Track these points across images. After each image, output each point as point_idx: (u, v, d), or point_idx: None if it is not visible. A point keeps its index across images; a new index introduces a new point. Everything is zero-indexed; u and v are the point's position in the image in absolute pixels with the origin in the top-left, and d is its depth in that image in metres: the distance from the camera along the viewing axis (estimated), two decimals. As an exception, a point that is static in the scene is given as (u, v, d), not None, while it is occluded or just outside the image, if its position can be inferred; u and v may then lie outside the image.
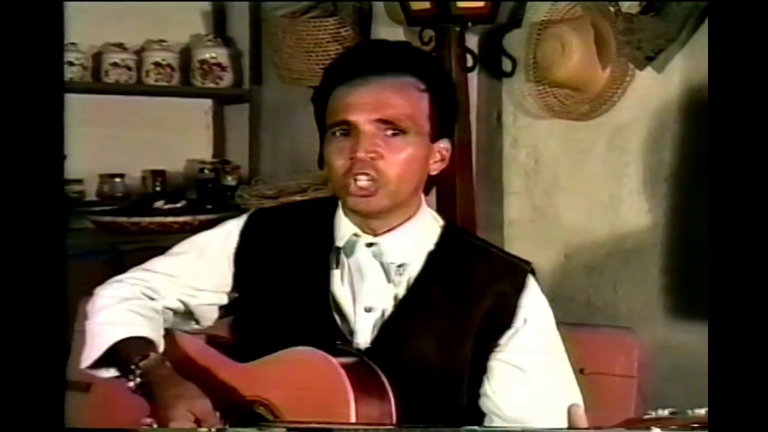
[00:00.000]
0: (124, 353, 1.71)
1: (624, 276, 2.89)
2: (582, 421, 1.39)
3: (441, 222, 1.82)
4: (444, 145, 1.75)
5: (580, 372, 1.77)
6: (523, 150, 3.14)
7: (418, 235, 1.77)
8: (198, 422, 1.56)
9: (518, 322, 1.72)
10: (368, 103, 1.65)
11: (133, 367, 1.67)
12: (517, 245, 3.00)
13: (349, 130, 1.66)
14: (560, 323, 1.79)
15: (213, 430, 1.57)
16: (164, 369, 1.67)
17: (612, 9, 2.79)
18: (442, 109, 1.73)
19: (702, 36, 2.65)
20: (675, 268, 2.79)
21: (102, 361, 1.74)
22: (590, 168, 2.97)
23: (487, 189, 3.13)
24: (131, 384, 1.67)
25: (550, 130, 3.05)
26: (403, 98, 1.67)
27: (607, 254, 2.93)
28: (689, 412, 1.31)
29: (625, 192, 2.90)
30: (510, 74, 3.10)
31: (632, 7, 2.76)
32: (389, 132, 1.66)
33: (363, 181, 1.66)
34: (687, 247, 2.77)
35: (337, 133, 1.68)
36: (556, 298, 1.85)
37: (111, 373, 1.75)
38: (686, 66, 2.73)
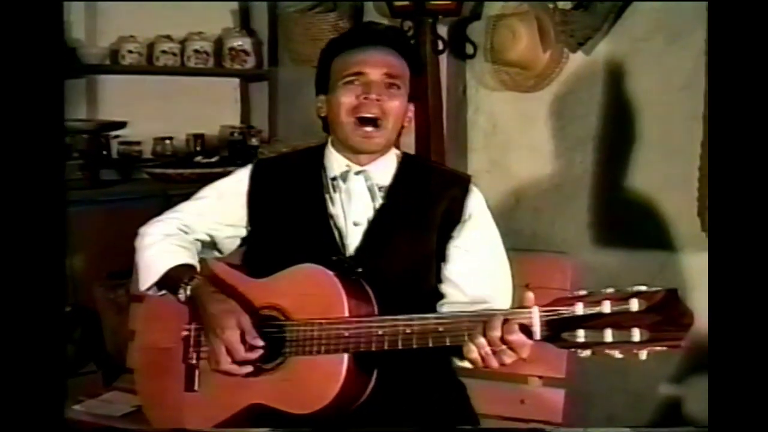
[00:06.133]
0: (174, 277, 1.72)
1: (560, 214, 2.91)
2: (531, 301, 1.43)
3: (398, 152, 1.85)
4: (411, 107, 1.81)
5: (525, 286, 1.77)
6: (483, 116, 3.13)
7: (390, 162, 1.81)
8: (242, 333, 1.58)
9: (465, 216, 1.77)
10: (378, 61, 1.73)
11: (183, 285, 1.69)
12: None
13: (360, 79, 1.72)
14: (511, 249, 1.80)
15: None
16: (210, 287, 1.69)
17: (551, 6, 2.80)
18: (413, 78, 1.80)
19: (619, 27, 2.68)
20: (598, 208, 2.82)
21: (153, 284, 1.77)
22: (535, 130, 2.97)
23: (455, 146, 3.11)
24: (181, 296, 1.69)
25: (504, 100, 3.05)
26: (398, 62, 1.75)
27: (547, 197, 2.95)
28: (628, 288, 1.31)
29: (562, 149, 2.90)
30: (472, 56, 3.09)
31: (567, 4, 2.77)
32: (389, 83, 1.73)
33: (370, 114, 1.71)
34: (608, 191, 2.79)
35: (350, 81, 1.72)
36: (508, 231, 1.85)
37: (161, 292, 1.76)
38: (608, 50, 2.75)
